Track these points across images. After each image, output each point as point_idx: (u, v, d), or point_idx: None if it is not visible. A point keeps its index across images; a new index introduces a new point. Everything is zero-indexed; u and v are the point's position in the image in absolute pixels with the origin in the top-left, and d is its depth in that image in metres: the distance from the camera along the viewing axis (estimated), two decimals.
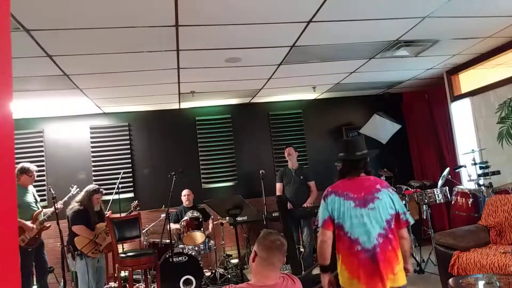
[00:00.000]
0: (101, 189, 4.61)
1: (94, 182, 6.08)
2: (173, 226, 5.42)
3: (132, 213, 5.06)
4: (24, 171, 4.63)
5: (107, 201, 5.52)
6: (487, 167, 4.64)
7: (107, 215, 4.79)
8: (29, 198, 4.69)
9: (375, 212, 2.42)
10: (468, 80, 5.62)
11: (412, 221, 2.50)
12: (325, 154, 6.71)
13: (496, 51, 4.82)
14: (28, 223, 4.46)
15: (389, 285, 2.35)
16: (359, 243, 2.40)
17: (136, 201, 5.42)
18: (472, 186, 4.86)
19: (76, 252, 4.26)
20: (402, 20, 3.60)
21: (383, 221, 2.41)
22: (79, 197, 4.51)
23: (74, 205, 4.42)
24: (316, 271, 4.04)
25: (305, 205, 5.29)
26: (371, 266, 2.37)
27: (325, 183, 5.59)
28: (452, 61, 5.27)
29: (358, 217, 2.42)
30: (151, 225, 5.58)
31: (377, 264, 2.35)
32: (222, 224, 5.73)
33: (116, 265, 4.54)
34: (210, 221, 5.74)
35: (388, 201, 2.45)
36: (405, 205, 5.37)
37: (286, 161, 5.74)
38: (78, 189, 5.22)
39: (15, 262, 0.93)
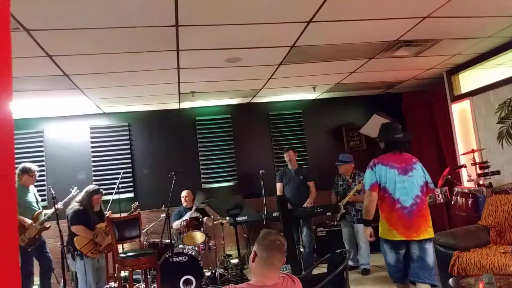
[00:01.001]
0: (101, 190, 4.61)
1: (94, 182, 6.08)
2: (175, 225, 5.43)
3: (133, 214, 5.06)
4: (26, 171, 4.64)
5: (107, 201, 5.52)
6: (487, 167, 4.63)
7: (107, 215, 4.79)
8: (30, 198, 4.71)
9: (413, 179, 3.22)
10: (468, 80, 5.61)
11: (435, 188, 3.58)
12: (325, 154, 6.71)
13: (496, 51, 4.82)
14: (27, 219, 4.48)
15: (423, 236, 3.12)
16: (399, 202, 3.16)
17: (137, 202, 5.41)
18: (472, 186, 4.86)
19: (76, 252, 4.26)
20: (402, 20, 3.60)
21: (418, 186, 3.22)
22: (79, 197, 4.51)
23: (74, 205, 4.43)
24: (316, 271, 4.04)
25: (305, 205, 5.29)
26: (408, 220, 3.13)
27: (326, 183, 5.67)
28: (452, 61, 5.27)
29: (401, 182, 3.20)
30: (151, 225, 5.58)
31: (413, 219, 3.13)
32: (222, 224, 5.73)
33: (116, 265, 4.54)
34: (208, 220, 5.70)
35: (421, 172, 3.29)
36: None
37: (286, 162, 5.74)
38: (78, 190, 5.22)
39: (15, 262, 0.93)
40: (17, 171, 4.64)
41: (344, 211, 5.24)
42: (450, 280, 2.93)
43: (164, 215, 5.11)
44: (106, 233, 4.46)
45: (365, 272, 5.11)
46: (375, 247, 5.55)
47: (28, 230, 4.47)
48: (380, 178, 3.23)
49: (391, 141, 3.35)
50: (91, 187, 4.58)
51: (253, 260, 1.97)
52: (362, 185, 5.16)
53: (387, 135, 3.38)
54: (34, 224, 4.51)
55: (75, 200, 4.54)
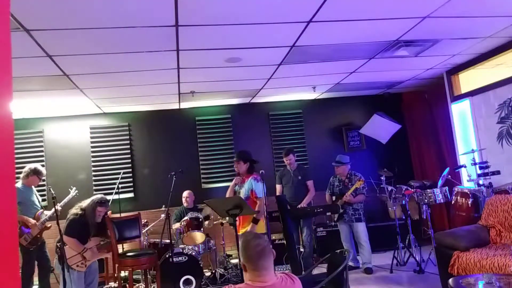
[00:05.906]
0: (107, 203, 4.29)
1: (94, 182, 6.10)
2: (174, 225, 5.43)
3: (133, 214, 5.02)
4: (36, 173, 4.64)
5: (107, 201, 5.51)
6: (487, 167, 4.63)
7: (107, 216, 4.75)
8: (34, 197, 4.73)
9: None
10: (468, 80, 5.61)
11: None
12: (325, 154, 6.71)
13: (496, 51, 4.82)
14: (30, 219, 4.51)
15: None
16: None
17: (146, 220, 5.24)
18: (472, 186, 4.86)
19: (63, 260, 4.04)
20: (402, 20, 3.60)
21: None
22: (84, 204, 4.20)
23: (77, 211, 4.14)
24: (316, 271, 4.04)
25: (300, 205, 5.26)
26: None
27: (326, 183, 5.66)
28: (452, 61, 5.27)
29: None
30: (151, 225, 5.58)
31: None
32: (222, 224, 5.73)
33: (116, 265, 4.52)
34: (208, 221, 5.70)
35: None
36: (404, 205, 5.40)
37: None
38: (77, 191, 5.19)
39: (15, 262, 0.93)
40: (26, 170, 4.63)
41: (342, 210, 5.24)
42: (450, 280, 2.93)
43: (164, 215, 5.11)
44: (99, 249, 4.28)
45: (368, 271, 5.07)
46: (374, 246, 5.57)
47: (31, 229, 4.48)
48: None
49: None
50: (99, 197, 4.23)
51: (245, 270, 1.98)
52: (362, 182, 5.16)
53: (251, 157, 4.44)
54: (36, 224, 4.52)
55: (81, 204, 4.23)
